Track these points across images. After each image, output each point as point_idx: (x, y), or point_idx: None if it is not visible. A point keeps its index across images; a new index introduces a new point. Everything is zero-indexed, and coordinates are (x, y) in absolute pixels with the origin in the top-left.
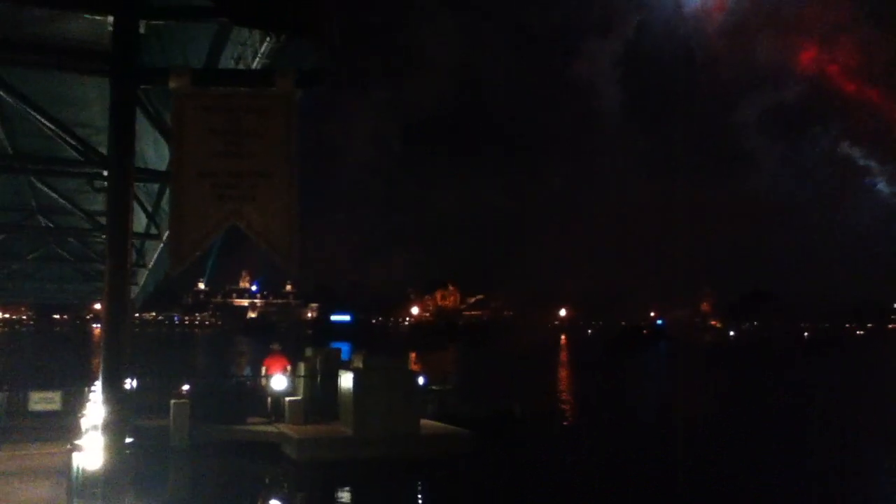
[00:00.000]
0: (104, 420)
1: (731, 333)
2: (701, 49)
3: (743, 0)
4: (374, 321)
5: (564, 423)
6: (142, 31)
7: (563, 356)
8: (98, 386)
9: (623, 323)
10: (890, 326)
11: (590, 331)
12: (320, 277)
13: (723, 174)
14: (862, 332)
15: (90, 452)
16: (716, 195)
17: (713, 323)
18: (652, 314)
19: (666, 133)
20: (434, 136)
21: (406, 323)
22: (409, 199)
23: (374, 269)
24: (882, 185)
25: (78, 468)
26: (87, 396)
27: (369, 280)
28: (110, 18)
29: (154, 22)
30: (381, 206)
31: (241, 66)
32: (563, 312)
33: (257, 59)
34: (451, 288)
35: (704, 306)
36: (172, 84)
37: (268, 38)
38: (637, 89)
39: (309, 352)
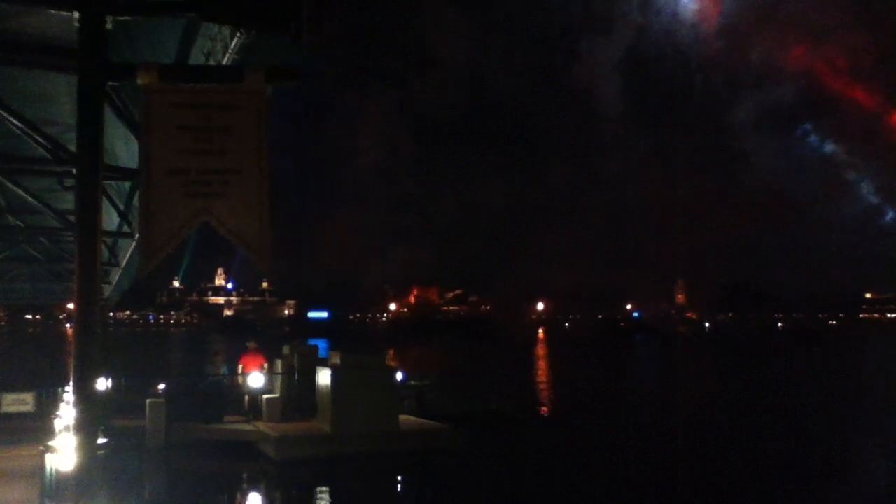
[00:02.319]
0: (76, 421)
1: (707, 325)
2: (696, 52)
3: (737, 5)
4: (351, 318)
5: (544, 417)
6: (109, 26)
7: (542, 350)
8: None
9: (600, 316)
10: (862, 316)
11: (567, 324)
12: (297, 275)
13: (705, 171)
14: (835, 322)
15: (63, 454)
16: (695, 191)
17: (689, 315)
18: (629, 307)
19: (659, 135)
20: (433, 136)
21: (384, 319)
22: (403, 199)
23: (354, 266)
24: (864, 182)
25: (51, 469)
26: (61, 397)
27: (348, 277)
28: (76, 14)
29: (121, 18)
30: (376, 205)
31: (211, 62)
32: (540, 306)
33: (227, 54)
34: (430, 284)
35: (680, 298)
36: (140, 80)
37: (238, 34)
38: (635, 90)
39: (286, 349)
